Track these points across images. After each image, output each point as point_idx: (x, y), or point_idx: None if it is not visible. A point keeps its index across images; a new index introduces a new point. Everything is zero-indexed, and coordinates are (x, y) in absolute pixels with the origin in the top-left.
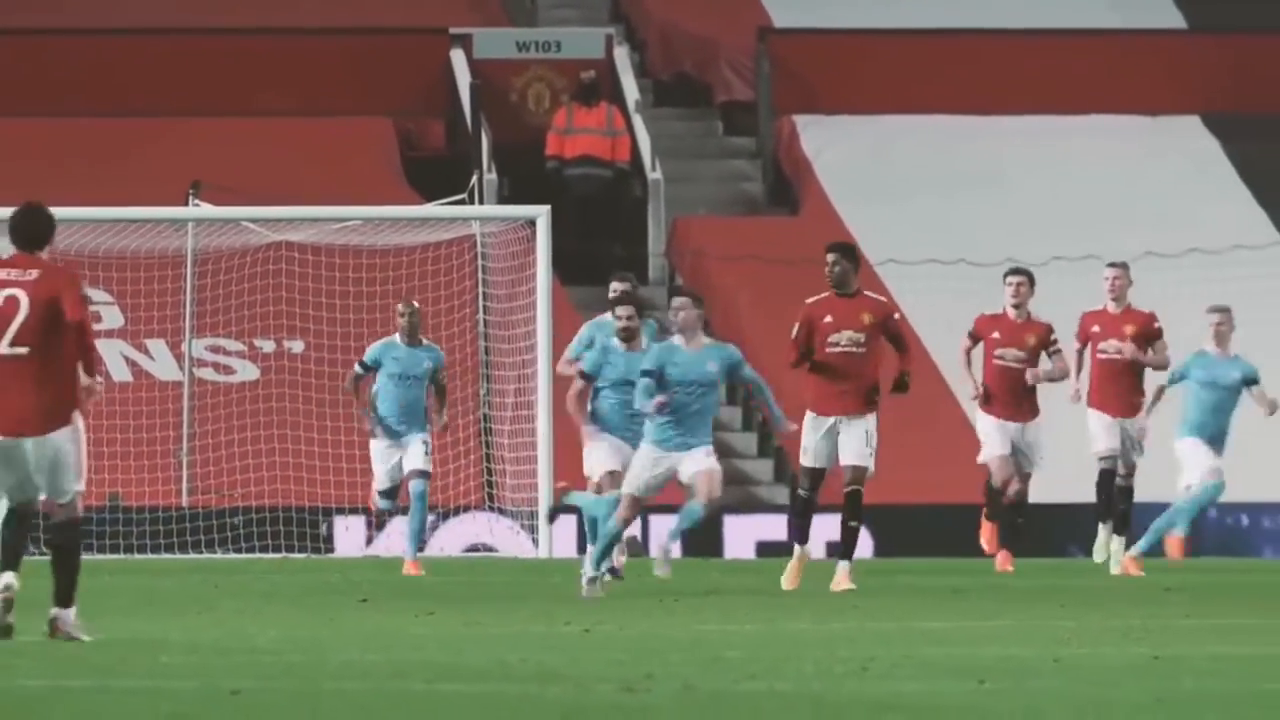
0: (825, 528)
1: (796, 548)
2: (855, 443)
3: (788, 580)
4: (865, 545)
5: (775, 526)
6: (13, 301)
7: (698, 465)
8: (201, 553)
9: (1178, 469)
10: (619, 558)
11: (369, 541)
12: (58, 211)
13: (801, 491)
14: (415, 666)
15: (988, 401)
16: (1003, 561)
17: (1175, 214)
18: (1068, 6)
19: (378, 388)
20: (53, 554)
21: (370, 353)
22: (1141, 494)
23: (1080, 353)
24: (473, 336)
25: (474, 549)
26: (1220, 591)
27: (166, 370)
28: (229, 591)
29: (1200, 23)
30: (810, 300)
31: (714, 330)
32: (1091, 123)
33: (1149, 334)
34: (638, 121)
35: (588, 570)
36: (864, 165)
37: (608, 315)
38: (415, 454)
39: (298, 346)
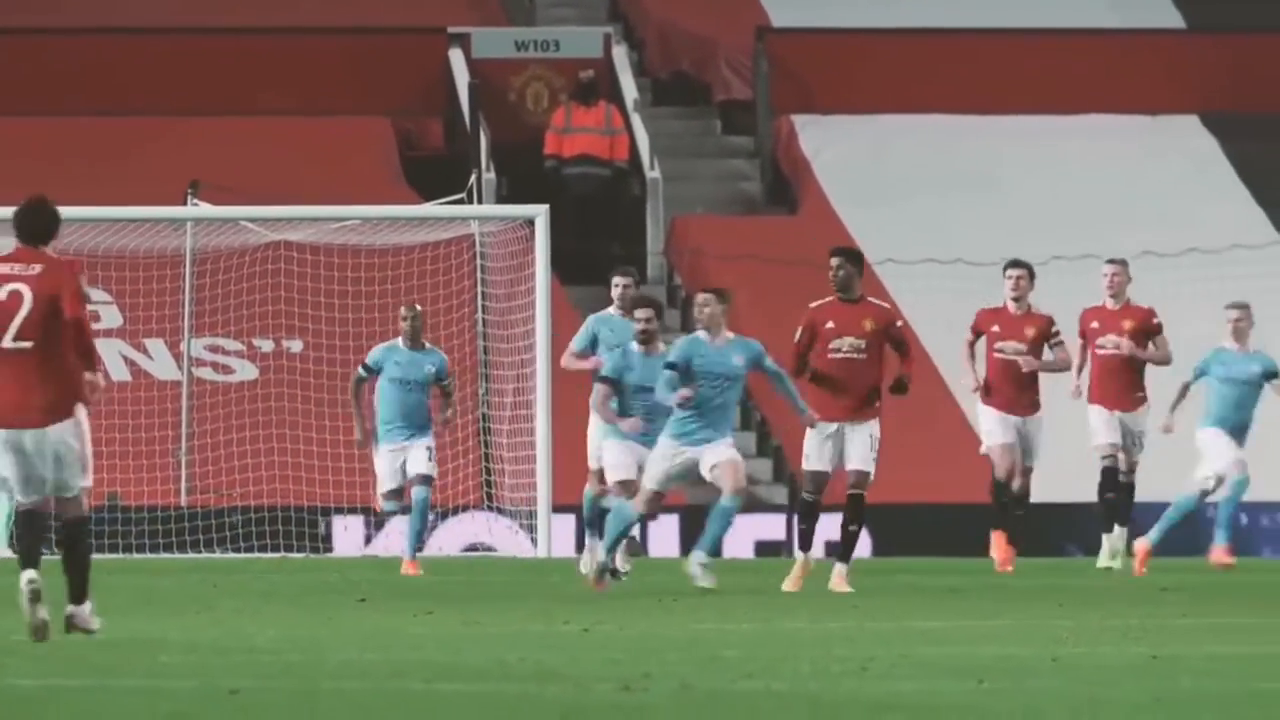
0: (825, 528)
1: (799, 554)
2: (860, 448)
3: (789, 585)
4: (863, 544)
5: (774, 526)
6: (16, 296)
7: (719, 456)
8: (200, 552)
9: (1196, 459)
10: (624, 564)
11: (368, 541)
12: None
13: (806, 495)
14: (414, 666)
15: (989, 394)
16: (1004, 560)
17: (1174, 213)
18: (1066, 6)
19: (380, 391)
20: (64, 553)
21: (372, 356)
22: (1142, 494)
23: (1083, 349)
24: (471, 336)
25: (472, 548)
26: (1218, 591)
27: (165, 370)
28: (228, 591)
29: (1199, 22)
30: (814, 305)
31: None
32: (1090, 122)
33: (1148, 329)
34: (636, 121)
35: (601, 560)
36: (862, 165)
37: (611, 310)
38: (418, 459)
39: (296, 346)
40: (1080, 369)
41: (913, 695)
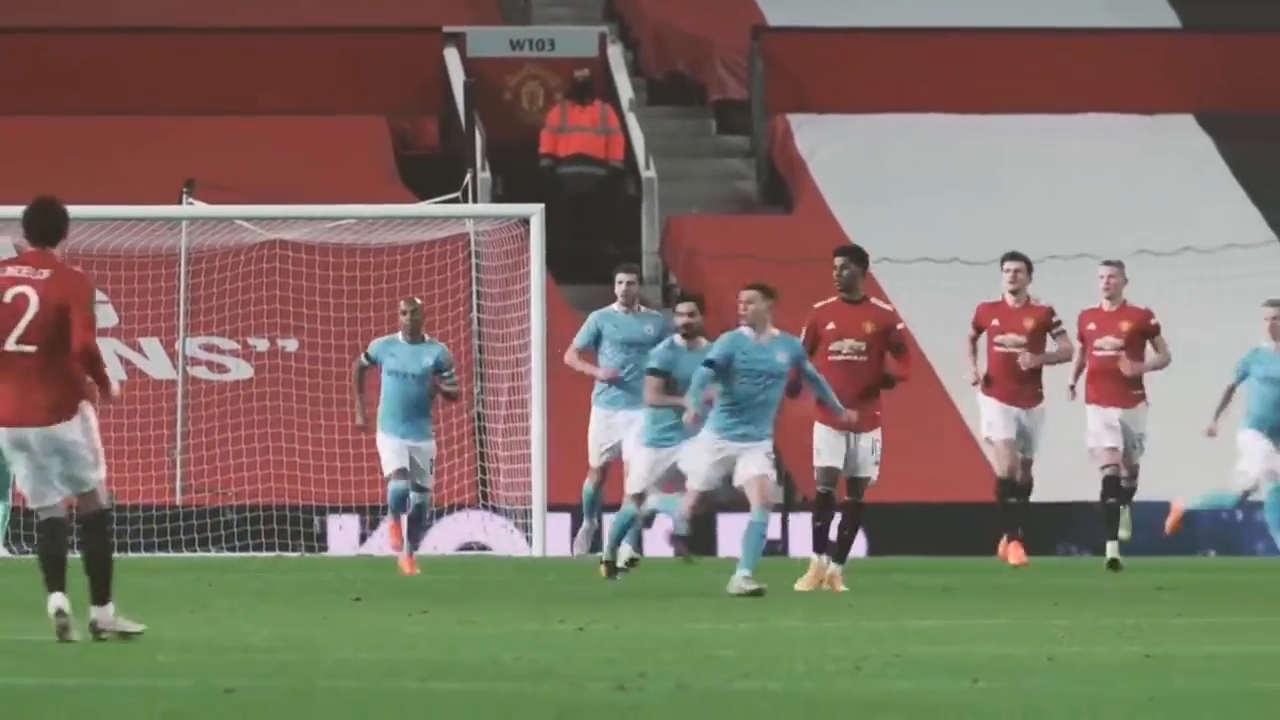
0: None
1: (814, 557)
2: (862, 454)
3: (802, 585)
4: (858, 544)
5: (771, 526)
6: (22, 299)
7: (751, 471)
8: (195, 551)
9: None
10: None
11: (362, 540)
12: None
13: (820, 489)
14: (409, 665)
15: (990, 386)
16: (1015, 555)
17: (1169, 212)
18: (1061, 5)
19: (382, 384)
20: (82, 552)
21: (372, 347)
22: (1143, 493)
23: (1081, 352)
24: (466, 335)
25: (468, 547)
26: (1213, 590)
27: (160, 369)
28: (223, 590)
29: (1194, 22)
30: (818, 305)
31: (706, 330)
32: (1086, 121)
33: (1146, 330)
34: (631, 120)
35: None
36: (858, 164)
37: (615, 306)
38: (418, 469)
39: (292, 345)
40: (1078, 371)
41: (908, 694)
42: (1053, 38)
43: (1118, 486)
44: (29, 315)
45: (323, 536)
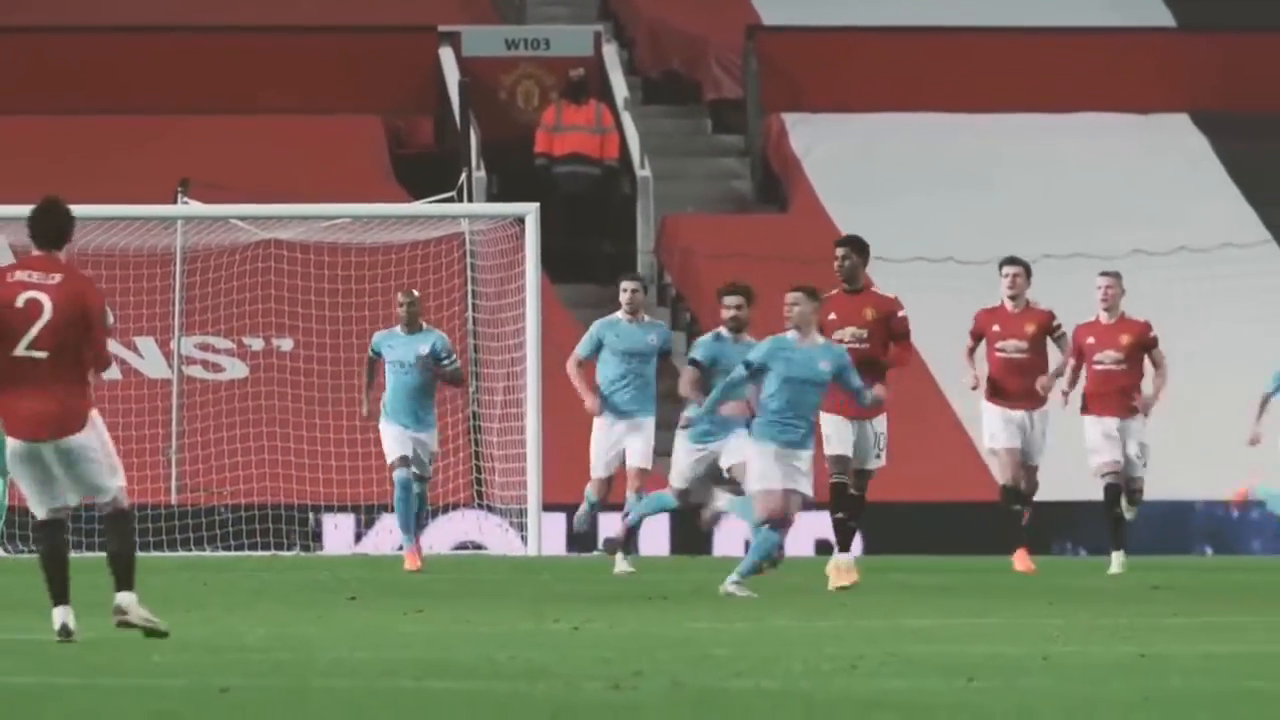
0: (821, 526)
1: (837, 554)
2: (869, 442)
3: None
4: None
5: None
6: (35, 305)
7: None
8: (190, 550)
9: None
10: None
11: (358, 539)
12: None
13: (833, 479)
14: (404, 664)
15: (993, 392)
16: (1021, 563)
17: (1164, 212)
18: (1056, 5)
19: (385, 376)
20: (108, 552)
21: (373, 340)
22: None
23: (1076, 369)
24: (462, 334)
25: (463, 546)
26: (1208, 589)
27: (155, 368)
28: (218, 589)
29: (1190, 21)
30: (822, 297)
31: (701, 327)
32: (1080, 121)
33: (1144, 343)
34: (626, 119)
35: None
36: (853, 163)
37: (618, 314)
38: (419, 460)
39: (287, 344)
40: (1073, 382)
41: (903, 693)
42: (1047, 37)
43: (1119, 497)
44: (42, 321)
45: (318, 535)
